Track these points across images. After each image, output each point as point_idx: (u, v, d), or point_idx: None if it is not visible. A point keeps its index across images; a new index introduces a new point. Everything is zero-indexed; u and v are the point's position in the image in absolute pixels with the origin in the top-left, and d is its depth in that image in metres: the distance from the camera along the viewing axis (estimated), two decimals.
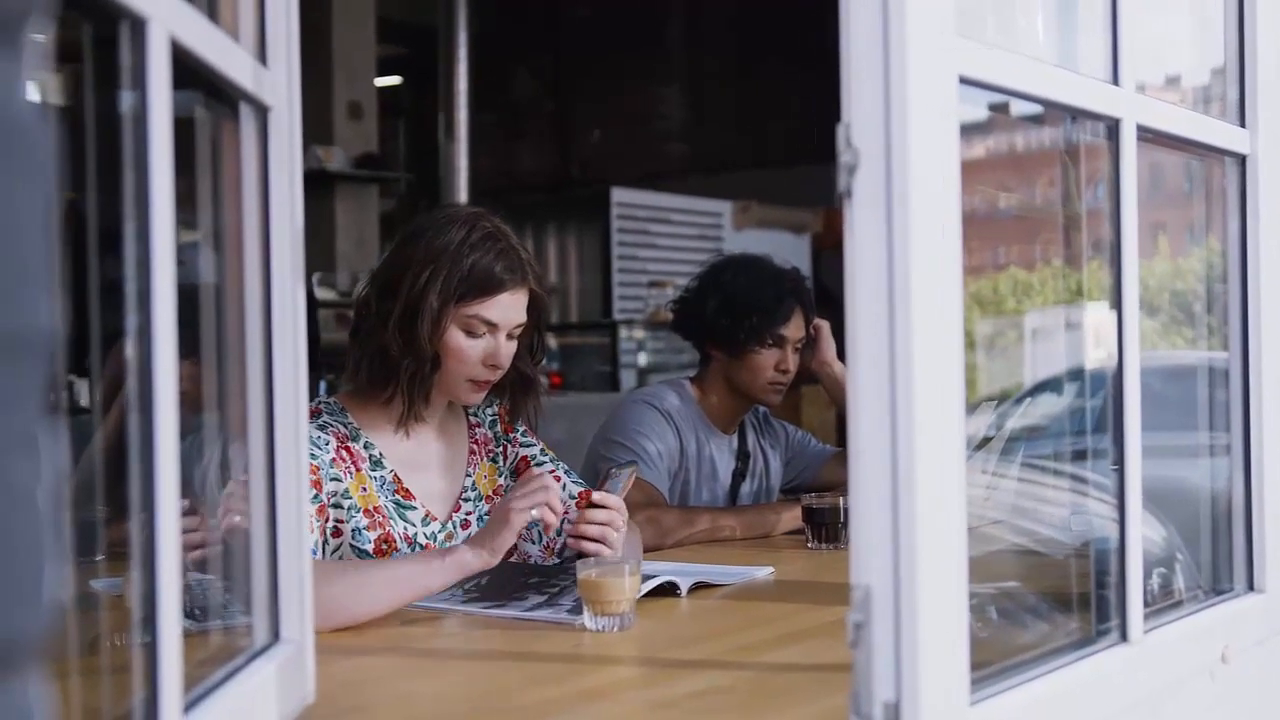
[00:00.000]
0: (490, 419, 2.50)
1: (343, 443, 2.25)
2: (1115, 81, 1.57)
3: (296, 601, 1.43)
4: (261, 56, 1.39)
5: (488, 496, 2.43)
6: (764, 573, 2.43)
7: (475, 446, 2.45)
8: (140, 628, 1.08)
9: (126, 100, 1.04)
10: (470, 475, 2.42)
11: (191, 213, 1.33)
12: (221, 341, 1.40)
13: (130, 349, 1.04)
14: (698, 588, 2.25)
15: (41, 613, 0.59)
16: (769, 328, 3.06)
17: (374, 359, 2.27)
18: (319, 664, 1.49)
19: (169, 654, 1.04)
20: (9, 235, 0.56)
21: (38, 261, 0.58)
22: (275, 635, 1.41)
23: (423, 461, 2.36)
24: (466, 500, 2.40)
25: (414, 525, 2.29)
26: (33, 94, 0.60)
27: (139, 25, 1.02)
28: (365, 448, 2.29)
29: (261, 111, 1.39)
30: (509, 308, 2.28)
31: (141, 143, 1.03)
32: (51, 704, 0.63)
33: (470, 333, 2.26)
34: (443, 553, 2.07)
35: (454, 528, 2.35)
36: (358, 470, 2.25)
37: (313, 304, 3.28)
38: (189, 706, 1.12)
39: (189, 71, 1.14)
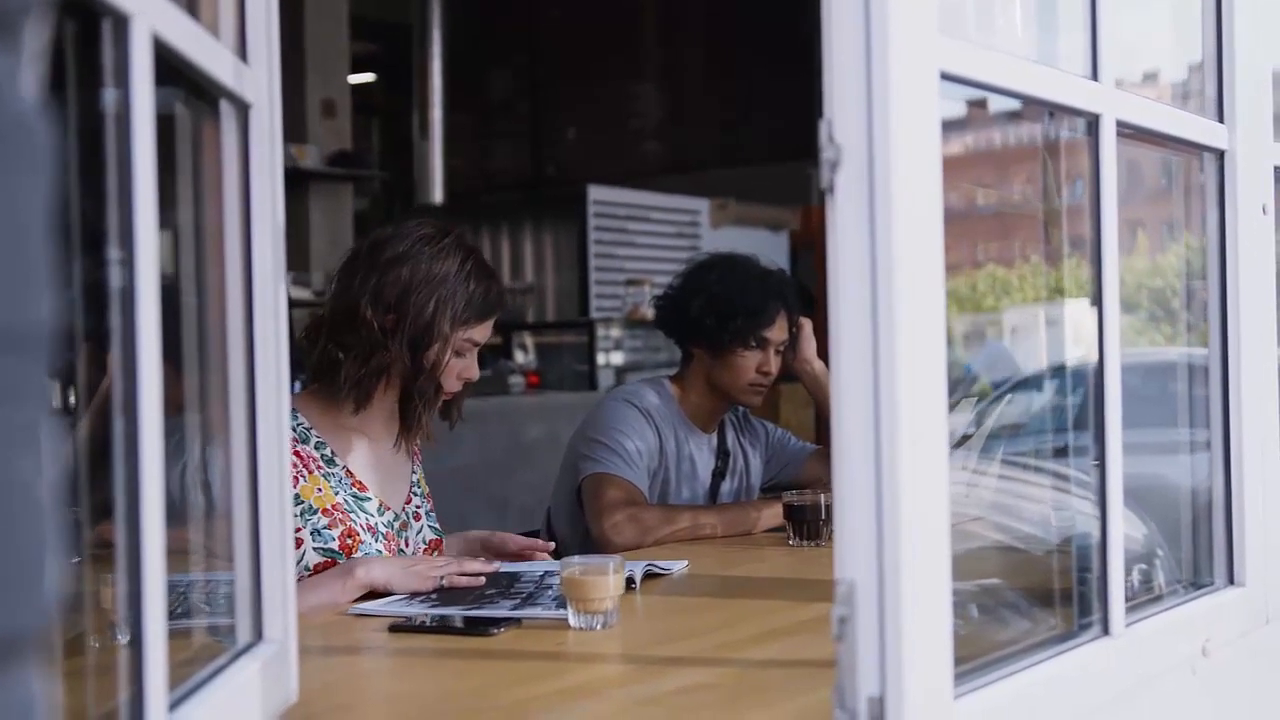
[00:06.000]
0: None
1: (292, 447, 2.28)
2: (1095, 77, 1.57)
3: (280, 601, 1.42)
4: (242, 53, 1.38)
5: (427, 494, 2.56)
6: (679, 566, 2.45)
7: (415, 449, 2.56)
8: (120, 628, 1.07)
9: (109, 97, 1.03)
10: (415, 473, 2.54)
11: (171, 211, 1.32)
12: (202, 342, 1.39)
13: (113, 350, 1.03)
14: (649, 577, 2.31)
15: (44, 607, 0.59)
16: (753, 330, 3.06)
17: (375, 376, 2.35)
18: (302, 663, 1.48)
19: (154, 654, 1.03)
20: (12, 231, 0.56)
21: (40, 257, 0.58)
22: (258, 634, 1.40)
23: (373, 460, 2.44)
24: (416, 494, 2.52)
25: (372, 515, 2.38)
26: (31, 90, 0.60)
27: (122, 22, 1.01)
28: (316, 448, 2.36)
29: (242, 109, 1.38)
30: (491, 327, 2.44)
31: (125, 140, 1.02)
32: (52, 697, 0.63)
33: (458, 353, 2.38)
34: (343, 574, 2.16)
35: (408, 517, 2.47)
36: (310, 472, 2.32)
37: (287, 304, 3.32)
38: (173, 705, 1.11)
39: (169, 68, 1.14)
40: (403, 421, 2.41)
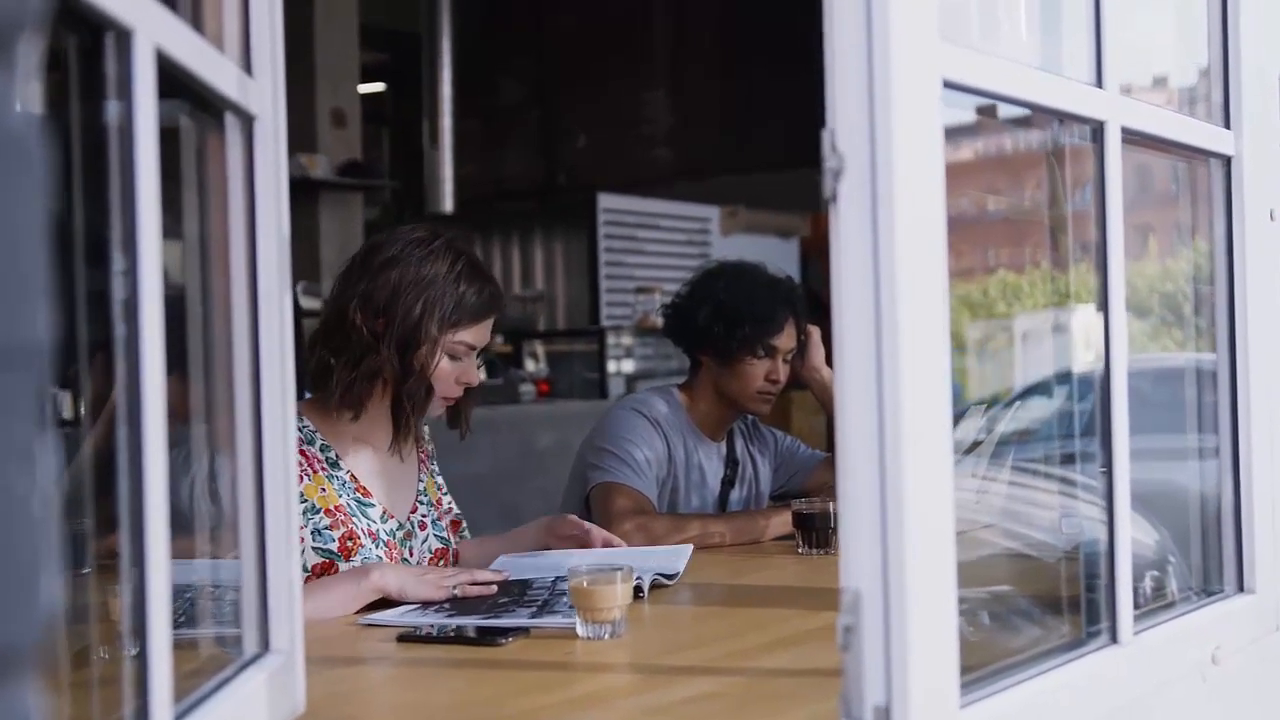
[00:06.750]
0: (428, 435, 2.63)
1: (297, 447, 2.29)
2: (1099, 84, 1.57)
3: (286, 612, 1.42)
4: (246, 66, 1.39)
5: (435, 503, 2.55)
6: (686, 551, 2.50)
7: (423, 456, 2.57)
8: (128, 639, 1.07)
9: (112, 110, 1.04)
10: (422, 481, 2.54)
11: (176, 223, 1.33)
12: (208, 353, 1.39)
13: (117, 361, 1.03)
14: (656, 587, 2.30)
15: (39, 620, 0.59)
16: (761, 338, 3.05)
17: (366, 380, 2.34)
18: (309, 675, 1.48)
19: (159, 665, 1.03)
20: (6, 246, 0.56)
21: (34, 272, 0.59)
22: (265, 645, 1.41)
23: (378, 468, 2.44)
24: (422, 503, 2.51)
25: (374, 522, 2.38)
26: (27, 105, 0.60)
27: (124, 36, 1.02)
28: (321, 450, 2.37)
29: (247, 121, 1.38)
30: (487, 331, 2.43)
31: (128, 153, 1.03)
32: (48, 711, 0.64)
33: (452, 356, 2.38)
34: (357, 577, 2.16)
35: (412, 527, 2.47)
36: (315, 472, 2.33)
37: (297, 313, 3.33)
38: (179, 717, 1.12)
39: (173, 81, 1.14)
40: (394, 425, 2.41)
